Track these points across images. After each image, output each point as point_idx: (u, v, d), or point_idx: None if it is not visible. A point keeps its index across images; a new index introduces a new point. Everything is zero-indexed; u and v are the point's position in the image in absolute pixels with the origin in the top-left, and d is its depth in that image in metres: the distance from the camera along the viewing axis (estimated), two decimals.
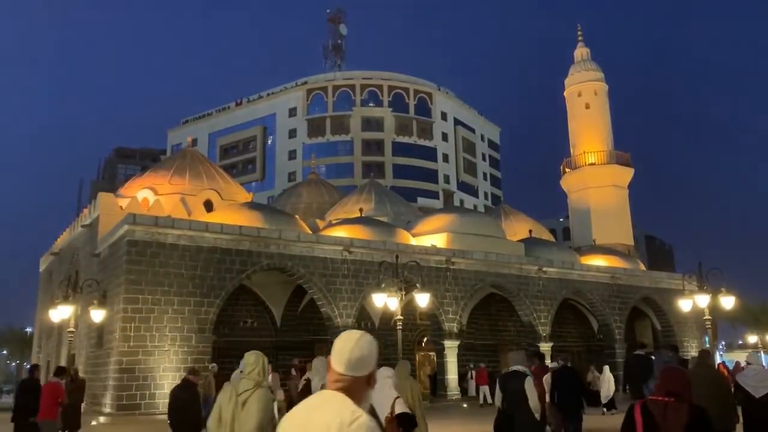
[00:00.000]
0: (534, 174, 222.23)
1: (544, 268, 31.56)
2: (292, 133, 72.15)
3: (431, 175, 71.22)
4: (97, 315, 21.69)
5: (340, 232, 28.65)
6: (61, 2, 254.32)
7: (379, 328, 29.16)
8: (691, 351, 34.97)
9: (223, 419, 4.88)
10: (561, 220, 72.63)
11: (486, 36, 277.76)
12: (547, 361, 21.93)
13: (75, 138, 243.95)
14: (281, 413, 6.37)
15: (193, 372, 9.47)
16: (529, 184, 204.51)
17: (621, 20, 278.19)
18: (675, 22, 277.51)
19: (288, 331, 30.53)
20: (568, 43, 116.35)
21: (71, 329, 21.53)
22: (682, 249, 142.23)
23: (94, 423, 19.35)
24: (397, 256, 21.59)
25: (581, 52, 51.81)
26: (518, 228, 39.86)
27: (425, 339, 32.69)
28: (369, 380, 2.42)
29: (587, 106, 49.73)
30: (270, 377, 6.74)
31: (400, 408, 5.83)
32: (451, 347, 28.48)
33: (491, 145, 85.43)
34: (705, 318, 22.15)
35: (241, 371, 5.04)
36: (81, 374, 19.87)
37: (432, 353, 30.15)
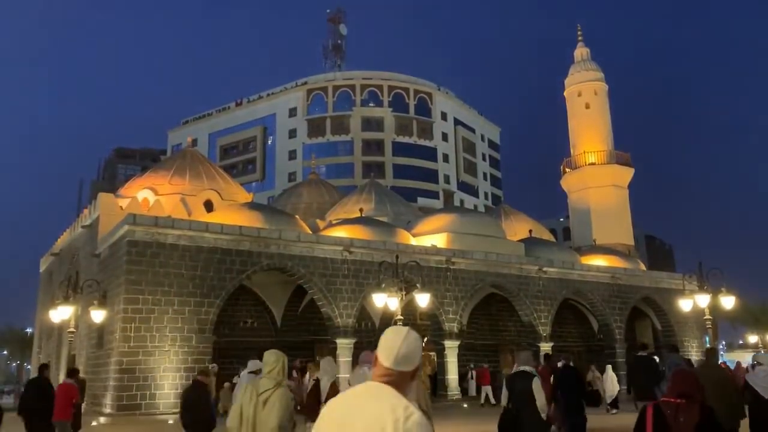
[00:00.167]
0: (534, 174, 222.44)
1: (545, 268, 31.56)
2: (292, 133, 72.17)
3: (431, 175, 71.24)
4: (98, 315, 21.71)
5: (341, 232, 28.65)
6: (61, 2, 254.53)
7: (380, 328, 29.16)
8: (692, 351, 35.01)
9: (245, 418, 4.98)
10: (561, 220, 72.63)
11: (486, 36, 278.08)
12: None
13: (75, 138, 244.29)
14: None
15: (203, 372, 9.65)
16: (529, 184, 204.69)
17: (621, 20, 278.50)
18: (675, 22, 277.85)
19: (288, 331, 30.53)
20: (568, 43, 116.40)
21: (71, 329, 21.57)
22: (682, 249, 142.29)
23: (94, 423, 19.34)
24: (397, 256, 21.59)
25: (581, 52, 51.82)
26: (518, 228, 39.87)
27: (425, 339, 32.64)
28: (413, 375, 2.48)
29: (587, 106, 49.74)
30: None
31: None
32: (451, 347, 28.48)
33: (491, 145, 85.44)
34: (705, 318, 22.13)
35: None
36: (81, 374, 19.83)
37: (432, 353, 30.15)
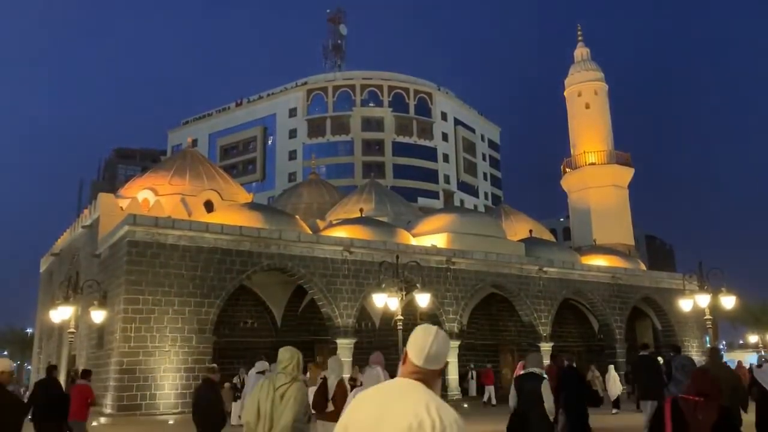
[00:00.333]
0: (534, 174, 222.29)
1: (545, 268, 31.57)
2: (293, 134, 72.20)
3: (431, 175, 71.26)
4: (98, 316, 21.71)
5: (341, 233, 28.65)
6: (61, 2, 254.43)
7: (380, 328, 29.18)
8: (692, 351, 35.01)
9: (262, 413, 5.12)
10: (561, 220, 72.63)
11: (486, 36, 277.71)
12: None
13: (75, 138, 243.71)
14: None
15: (213, 371, 9.77)
16: (529, 184, 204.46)
17: (621, 20, 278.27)
18: (675, 22, 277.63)
19: (288, 331, 30.52)
20: (568, 43, 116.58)
21: (72, 330, 21.58)
22: (682, 249, 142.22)
23: (94, 424, 19.34)
24: (397, 256, 21.58)
25: (581, 52, 51.84)
26: (518, 228, 39.88)
27: None
28: (440, 372, 2.60)
29: (587, 106, 49.76)
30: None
31: None
32: (451, 347, 28.40)
33: (491, 145, 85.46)
34: (705, 318, 22.15)
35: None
36: None
37: None
